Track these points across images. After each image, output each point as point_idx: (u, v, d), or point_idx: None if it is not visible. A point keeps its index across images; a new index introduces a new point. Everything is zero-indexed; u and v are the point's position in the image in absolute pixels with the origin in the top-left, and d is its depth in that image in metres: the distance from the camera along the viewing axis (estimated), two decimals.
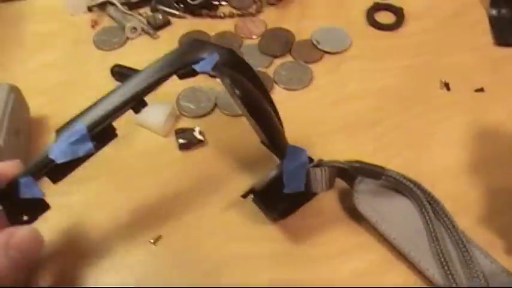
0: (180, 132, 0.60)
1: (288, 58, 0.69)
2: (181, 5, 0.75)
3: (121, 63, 0.67)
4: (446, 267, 0.47)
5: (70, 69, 0.69)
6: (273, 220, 0.53)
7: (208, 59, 0.47)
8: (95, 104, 0.46)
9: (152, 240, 0.52)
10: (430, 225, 0.49)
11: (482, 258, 0.48)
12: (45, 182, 0.44)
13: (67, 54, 0.71)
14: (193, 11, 0.75)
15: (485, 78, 0.65)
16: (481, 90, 0.64)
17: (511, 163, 0.57)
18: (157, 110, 0.60)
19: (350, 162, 0.51)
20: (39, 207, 0.45)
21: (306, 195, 0.52)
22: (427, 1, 0.76)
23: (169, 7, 0.76)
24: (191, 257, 0.51)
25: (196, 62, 0.47)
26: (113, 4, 0.75)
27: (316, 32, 0.71)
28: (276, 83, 0.66)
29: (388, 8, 0.75)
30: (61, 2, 0.77)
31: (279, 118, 0.51)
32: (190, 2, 0.75)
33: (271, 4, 0.76)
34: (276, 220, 0.53)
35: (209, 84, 0.65)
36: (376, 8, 0.75)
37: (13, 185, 0.43)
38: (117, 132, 0.46)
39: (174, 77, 0.47)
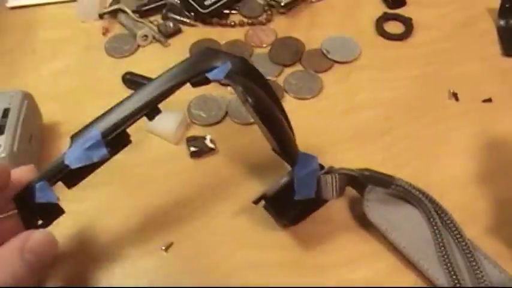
0: (191, 140, 0.60)
1: (298, 67, 0.69)
2: (192, 14, 0.76)
3: (132, 70, 0.68)
4: (454, 276, 0.47)
5: (82, 76, 0.70)
6: (283, 227, 0.53)
7: (221, 68, 0.48)
8: (109, 111, 0.46)
9: (164, 247, 0.52)
10: (438, 235, 0.50)
11: (491, 268, 0.48)
12: (58, 188, 0.45)
13: (79, 61, 0.72)
14: (204, 20, 0.76)
15: (494, 89, 0.65)
16: (489, 100, 0.64)
17: None
18: (168, 118, 0.60)
19: (360, 170, 0.51)
20: (54, 211, 0.46)
21: (317, 202, 0.52)
22: (436, 12, 0.76)
23: (180, 15, 0.76)
24: (201, 264, 0.52)
25: (210, 70, 0.48)
26: (124, 12, 0.76)
27: (325, 41, 0.72)
28: (286, 92, 0.66)
29: (397, 18, 0.75)
30: (73, 10, 0.78)
31: (290, 126, 0.51)
32: (201, 10, 0.75)
33: (282, 13, 0.77)
34: (286, 227, 0.53)
35: (220, 93, 0.66)
36: (385, 17, 0.75)
37: (28, 189, 0.44)
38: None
39: (186, 85, 0.48)
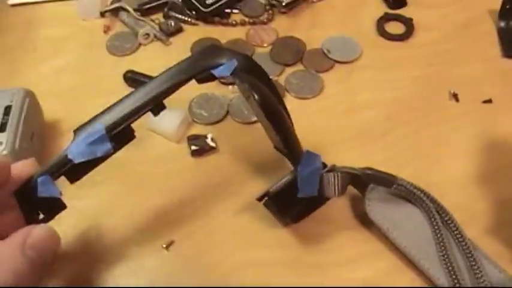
0: (192, 139, 0.60)
1: (299, 67, 0.70)
2: (194, 12, 0.76)
3: (133, 68, 0.68)
4: (454, 276, 0.48)
5: (83, 74, 0.70)
6: (285, 225, 0.54)
7: (227, 64, 0.48)
8: (114, 105, 0.46)
9: (165, 245, 0.52)
10: (439, 235, 0.50)
11: (491, 268, 0.48)
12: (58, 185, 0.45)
13: (80, 59, 0.72)
14: (206, 19, 0.76)
15: (494, 90, 0.65)
16: (489, 101, 0.64)
17: None
18: (170, 116, 0.60)
19: (362, 169, 0.51)
20: (55, 206, 0.46)
21: (319, 200, 0.52)
22: (436, 12, 0.76)
23: (182, 14, 0.76)
24: (202, 263, 0.52)
25: (215, 67, 0.48)
26: (125, 10, 0.76)
27: (326, 41, 0.72)
28: (287, 91, 0.66)
29: (398, 18, 0.75)
30: (74, 7, 0.78)
31: (292, 124, 0.52)
32: (203, 9, 0.75)
33: (283, 13, 0.77)
34: (287, 225, 0.54)
35: (222, 92, 0.66)
36: (386, 18, 0.75)
37: (30, 183, 0.44)
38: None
39: (188, 84, 0.48)
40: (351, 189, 0.53)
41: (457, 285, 0.47)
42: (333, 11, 0.77)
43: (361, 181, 0.52)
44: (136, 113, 0.45)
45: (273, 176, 0.51)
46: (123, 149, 0.47)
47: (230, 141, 0.61)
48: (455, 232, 0.50)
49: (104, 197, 0.57)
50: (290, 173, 0.49)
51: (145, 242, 0.53)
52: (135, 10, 0.76)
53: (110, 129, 0.44)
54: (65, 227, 0.51)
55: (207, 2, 0.76)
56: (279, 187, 0.49)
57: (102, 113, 0.46)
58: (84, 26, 0.76)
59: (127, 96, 0.46)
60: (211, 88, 0.65)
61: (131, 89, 0.48)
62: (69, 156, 0.44)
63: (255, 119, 0.62)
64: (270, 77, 0.64)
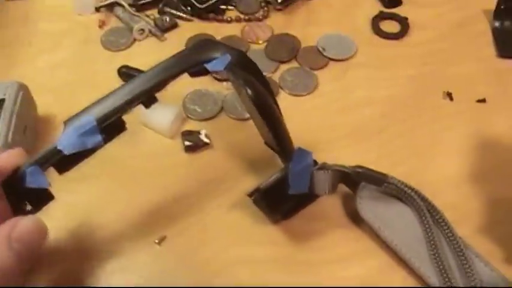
0: (186, 135, 0.60)
1: (294, 64, 0.70)
2: (189, 8, 0.76)
3: (128, 64, 0.68)
4: (445, 275, 0.48)
5: (78, 69, 0.69)
6: (274, 222, 0.54)
7: (221, 59, 0.47)
8: (105, 97, 0.46)
9: (157, 241, 0.52)
10: (429, 233, 0.50)
11: (482, 266, 0.49)
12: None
13: (75, 53, 0.72)
14: (201, 15, 0.76)
15: (488, 90, 0.65)
16: (483, 101, 0.64)
17: None
18: (164, 112, 0.60)
19: (353, 167, 0.51)
20: (43, 197, 0.45)
21: (309, 197, 0.53)
22: (431, 12, 0.76)
23: (177, 10, 0.76)
24: (194, 259, 0.52)
25: (208, 61, 0.47)
26: (120, 5, 0.76)
27: (321, 38, 0.72)
28: (281, 88, 0.66)
29: (393, 17, 0.75)
30: (69, 2, 0.77)
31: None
32: (198, 5, 0.75)
33: (278, 10, 0.77)
34: (277, 221, 0.54)
35: (216, 88, 0.66)
36: (381, 16, 0.75)
37: (18, 174, 0.43)
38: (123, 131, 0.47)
39: (181, 79, 0.47)
40: (343, 187, 0.53)
41: (448, 284, 0.47)
42: (328, 9, 0.77)
43: (352, 179, 0.52)
44: (127, 105, 0.45)
45: (267, 173, 0.51)
46: (116, 144, 0.46)
47: (224, 137, 0.61)
48: (446, 231, 0.50)
49: (96, 192, 0.57)
50: (281, 170, 0.49)
51: (137, 238, 0.53)
52: (130, 5, 0.76)
53: (100, 121, 0.44)
54: (55, 221, 0.51)
55: None
56: (269, 183, 0.49)
57: (93, 104, 0.45)
58: (80, 21, 0.76)
59: (119, 88, 0.46)
60: (205, 84, 0.65)
61: None
62: (59, 147, 0.43)
63: (248, 115, 0.62)
64: (265, 73, 0.64)
